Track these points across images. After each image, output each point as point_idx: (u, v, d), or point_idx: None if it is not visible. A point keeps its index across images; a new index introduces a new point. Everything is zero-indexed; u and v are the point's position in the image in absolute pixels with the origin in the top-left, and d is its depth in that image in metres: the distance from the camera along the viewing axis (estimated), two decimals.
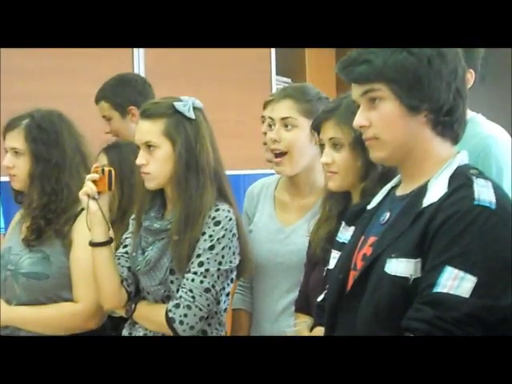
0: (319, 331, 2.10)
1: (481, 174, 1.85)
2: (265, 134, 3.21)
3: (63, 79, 4.38)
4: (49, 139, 2.81)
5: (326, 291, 2.13)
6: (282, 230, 2.82)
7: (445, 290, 1.71)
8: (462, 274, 1.71)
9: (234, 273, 2.62)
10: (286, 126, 2.75)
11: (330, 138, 2.38)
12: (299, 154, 2.75)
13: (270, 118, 2.82)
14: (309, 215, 2.74)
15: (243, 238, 2.63)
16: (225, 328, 2.67)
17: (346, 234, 2.11)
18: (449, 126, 1.88)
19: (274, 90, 5.07)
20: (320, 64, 5.55)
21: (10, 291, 2.78)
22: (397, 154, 1.89)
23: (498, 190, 1.81)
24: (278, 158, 2.79)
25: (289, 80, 5.41)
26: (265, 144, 3.23)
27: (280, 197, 2.89)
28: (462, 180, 1.82)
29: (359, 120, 1.90)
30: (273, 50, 5.09)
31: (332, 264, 2.12)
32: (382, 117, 1.86)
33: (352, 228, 2.08)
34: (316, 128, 2.45)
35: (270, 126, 2.83)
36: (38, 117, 2.84)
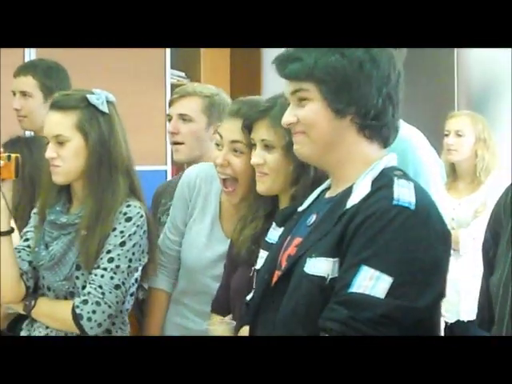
0: (246, 330, 2.10)
1: (404, 176, 1.85)
2: (172, 133, 3.16)
3: None
4: None
5: (254, 290, 2.11)
6: (224, 240, 2.67)
7: (360, 290, 1.71)
8: (377, 273, 1.70)
9: (139, 272, 2.57)
10: (235, 150, 2.52)
11: (262, 139, 2.32)
12: (252, 180, 2.50)
13: (219, 135, 2.56)
14: None
15: (152, 236, 2.58)
16: (128, 328, 2.62)
17: (275, 234, 2.09)
18: (376, 129, 1.88)
19: (168, 84, 5.04)
20: (215, 59, 5.54)
21: None
22: (321, 152, 1.89)
23: (420, 191, 1.81)
24: (229, 188, 2.57)
25: (183, 74, 5.39)
26: (173, 144, 3.19)
27: (225, 203, 2.72)
28: (383, 181, 1.82)
29: (287, 117, 1.91)
30: None
31: (259, 264, 2.10)
32: (308, 116, 1.87)
33: (282, 229, 2.07)
34: (248, 127, 2.38)
35: (217, 144, 2.59)
36: None
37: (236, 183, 2.55)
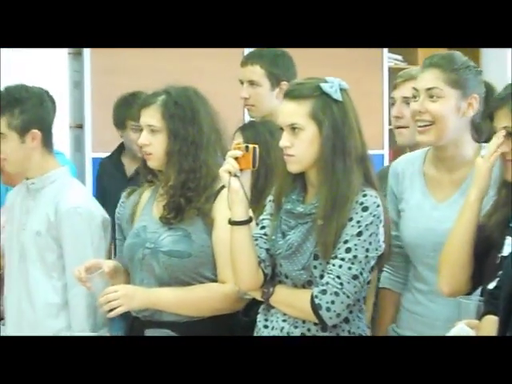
0: (490, 319, 2.04)
1: None
2: (397, 117, 3.16)
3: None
4: (186, 116, 2.76)
5: (498, 278, 2.06)
6: (436, 206, 2.74)
7: None
8: None
9: (375, 260, 2.53)
10: (432, 96, 2.68)
11: (504, 127, 2.29)
12: (446, 125, 2.67)
13: (415, 88, 2.74)
14: (463, 188, 2.65)
15: (387, 225, 2.55)
16: (365, 316, 2.61)
17: None
18: None
19: (385, 68, 5.00)
20: None
21: (147, 270, 2.75)
22: None
23: None
24: (421, 128, 2.72)
25: (400, 57, 5.33)
26: (397, 128, 3.18)
27: (429, 172, 2.80)
28: None
29: None
30: None
31: (507, 251, 2.04)
32: None
33: None
34: (489, 116, 2.37)
35: (414, 96, 2.74)
36: (175, 93, 2.80)
37: (433, 128, 2.68)
